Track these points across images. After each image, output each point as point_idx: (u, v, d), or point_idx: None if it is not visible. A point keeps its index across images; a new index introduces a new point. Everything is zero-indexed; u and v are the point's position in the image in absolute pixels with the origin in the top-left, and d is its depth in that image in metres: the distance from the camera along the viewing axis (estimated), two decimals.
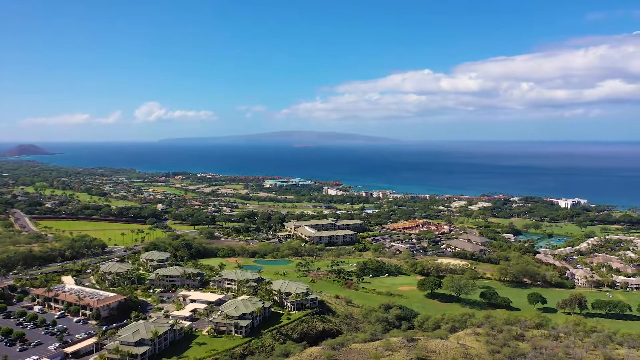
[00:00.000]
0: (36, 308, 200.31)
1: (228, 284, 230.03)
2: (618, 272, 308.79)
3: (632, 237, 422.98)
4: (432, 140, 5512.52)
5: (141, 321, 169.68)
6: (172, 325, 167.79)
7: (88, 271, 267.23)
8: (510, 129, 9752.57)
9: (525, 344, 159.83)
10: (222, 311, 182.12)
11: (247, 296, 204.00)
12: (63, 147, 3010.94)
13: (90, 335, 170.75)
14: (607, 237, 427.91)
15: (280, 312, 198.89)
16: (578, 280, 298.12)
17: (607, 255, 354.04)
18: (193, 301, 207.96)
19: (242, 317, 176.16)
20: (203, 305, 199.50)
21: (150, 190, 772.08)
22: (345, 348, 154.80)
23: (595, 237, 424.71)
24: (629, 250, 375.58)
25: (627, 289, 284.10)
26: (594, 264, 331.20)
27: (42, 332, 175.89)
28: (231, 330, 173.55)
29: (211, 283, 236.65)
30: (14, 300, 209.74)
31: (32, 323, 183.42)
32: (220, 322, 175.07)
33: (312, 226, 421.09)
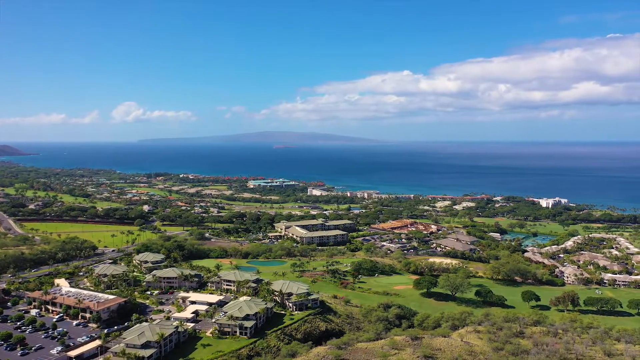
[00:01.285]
0: (33, 311, 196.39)
1: (227, 285, 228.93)
2: (605, 269, 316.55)
3: (614, 235, 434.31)
4: (412, 141, 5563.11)
5: (145, 323, 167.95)
6: (177, 327, 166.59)
7: (81, 273, 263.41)
8: (488, 129, 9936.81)
9: (526, 341, 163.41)
10: (225, 312, 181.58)
11: (249, 297, 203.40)
12: (38, 148, 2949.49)
13: (92, 339, 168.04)
14: (590, 235, 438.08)
15: (282, 312, 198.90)
16: (567, 277, 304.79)
17: (593, 254, 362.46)
18: (193, 302, 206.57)
19: (247, 318, 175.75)
20: (204, 307, 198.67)
21: (134, 191, 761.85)
22: (351, 347, 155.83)
23: (579, 236, 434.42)
24: (613, 248, 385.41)
25: (615, 285, 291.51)
26: (581, 262, 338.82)
27: (42, 336, 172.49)
28: (236, 332, 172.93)
29: (209, 284, 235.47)
30: (9, 304, 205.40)
31: (30, 327, 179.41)
32: (224, 323, 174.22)
33: (303, 227, 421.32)
